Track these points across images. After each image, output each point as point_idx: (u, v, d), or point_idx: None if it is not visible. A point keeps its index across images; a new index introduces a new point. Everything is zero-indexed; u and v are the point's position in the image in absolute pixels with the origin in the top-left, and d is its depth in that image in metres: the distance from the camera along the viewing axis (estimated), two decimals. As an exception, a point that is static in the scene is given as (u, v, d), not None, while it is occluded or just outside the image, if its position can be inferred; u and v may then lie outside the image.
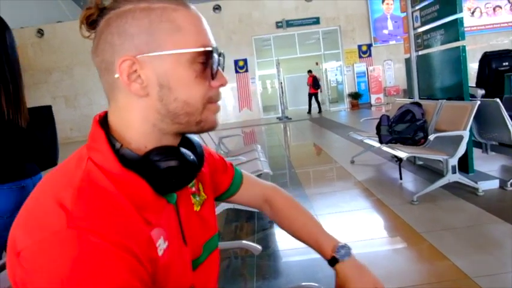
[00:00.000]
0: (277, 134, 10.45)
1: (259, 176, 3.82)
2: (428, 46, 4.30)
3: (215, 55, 0.61)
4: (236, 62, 15.09)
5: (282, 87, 14.65)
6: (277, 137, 9.99)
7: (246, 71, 15.23)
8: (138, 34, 0.57)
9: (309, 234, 0.93)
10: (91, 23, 0.61)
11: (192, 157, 0.64)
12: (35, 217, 0.52)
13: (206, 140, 4.26)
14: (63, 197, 0.52)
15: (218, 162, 0.89)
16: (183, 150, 0.63)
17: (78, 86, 15.25)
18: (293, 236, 0.96)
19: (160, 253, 0.58)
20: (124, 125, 0.60)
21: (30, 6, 15.49)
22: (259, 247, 1.37)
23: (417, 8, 4.39)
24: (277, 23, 15.06)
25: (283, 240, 3.03)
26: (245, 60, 15.17)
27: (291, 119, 13.45)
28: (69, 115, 14.95)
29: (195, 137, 0.73)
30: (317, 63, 17.44)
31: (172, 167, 0.59)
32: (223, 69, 0.66)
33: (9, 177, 1.47)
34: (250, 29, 15.16)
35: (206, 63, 0.60)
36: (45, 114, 1.89)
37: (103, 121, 0.62)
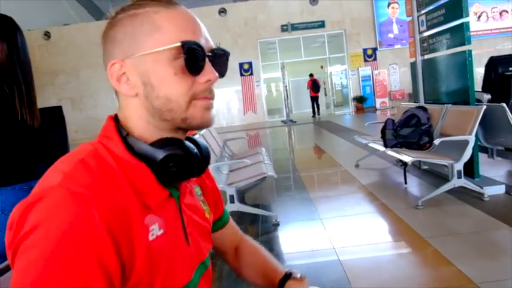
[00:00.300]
0: (281, 137, 10.45)
1: (263, 179, 3.82)
2: (434, 50, 4.29)
3: (195, 50, 0.61)
4: (241, 65, 15.12)
5: (286, 91, 14.66)
6: (282, 140, 9.99)
7: (251, 74, 15.26)
8: (124, 39, 0.62)
9: (266, 270, 0.92)
10: None
11: (195, 150, 0.66)
12: (38, 183, 0.57)
13: (211, 143, 4.26)
14: (65, 165, 0.57)
15: (216, 188, 0.90)
16: (187, 143, 0.65)
17: (83, 88, 15.35)
18: (252, 280, 0.94)
19: (151, 238, 0.60)
20: (127, 122, 0.65)
21: (38, 8, 15.64)
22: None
23: (423, 12, 4.38)
24: (282, 26, 15.09)
25: (286, 244, 3.03)
26: (250, 64, 15.21)
27: (295, 122, 13.45)
28: (74, 117, 15.02)
29: (202, 141, 0.74)
30: (322, 67, 17.46)
31: (173, 155, 0.62)
32: (224, 66, 0.68)
33: (20, 178, 1.48)
34: (256, 32, 15.19)
35: (187, 59, 0.60)
36: (55, 114, 1.92)
37: (115, 118, 0.68)
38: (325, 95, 18.39)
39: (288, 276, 0.87)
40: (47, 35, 15.28)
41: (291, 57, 15.93)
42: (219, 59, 0.66)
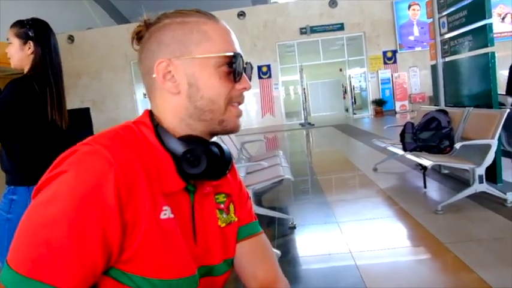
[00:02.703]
0: (299, 140, 10.42)
1: (280, 182, 3.80)
2: (455, 52, 4.21)
3: (239, 61, 0.70)
4: (260, 67, 15.14)
5: (305, 94, 14.61)
6: (300, 143, 9.96)
7: (270, 76, 15.27)
8: (172, 42, 0.69)
9: None
10: (140, 38, 0.73)
11: (217, 152, 0.72)
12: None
13: (228, 145, 4.28)
14: (103, 131, 0.66)
15: (244, 193, 0.87)
16: (211, 145, 0.72)
17: (105, 91, 15.66)
18: None
19: (163, 216, 0.64)
20: (160, 117, 0.71)
21: (62, 13, 16.06)
22: (278, 252, 1.37)
23: (444, 13, 4.31)
24: (301, 29, 15.06)
25: (303, 247, 3.01)
26: (268, 66, 15.22)
27: (313, 125, 13.38)
28: (96, 118, 15.24)
29: (225, 146, 0.77)
30: (341, 70, 17.34)
31: (194, 151, 0.67)
32: (249, 78, 0.75)
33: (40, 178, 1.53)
34: (274, 35, 15.21)
35: (230, 67, 0.69)
36: (83, 116, 2.00)
37: (150, 111, 0.74)
38: (344, 98, 18.25)
39: None
40: (71, 38, 15.67)
41: (310, 60, 15.87)
42: (249, 71, 0.75)
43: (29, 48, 1.75)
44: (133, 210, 0.60)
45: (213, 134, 0.74)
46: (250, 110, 15.36)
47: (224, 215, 0.78)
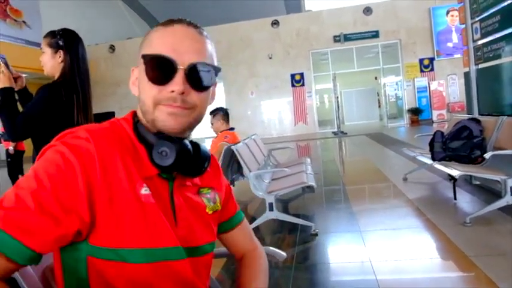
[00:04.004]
0: (331, 149, 10.31)
1: (308, 190, 3.80)
2: (489, 59, 4.07)
3: (164, 63, 0.72)
4: (293, 76, 15.19)
5: (338, 102, 14.47)
6: (331, 151, 9.86)
7: (303, 85, 15.26)
8: (138, 52, 0.79)
9: None
10: None
11: (189, 147, 0.77)
12: None
13: (254, 151, 4.33)
14: (91, 125, 0.76)
15: (228, 187, 0.97)
16: (185, 141, 0.77)
17: (142, 98, 16.17)
18: None
19: (144, 192, 0.72)
20: (139, 116, 0.80)
21: (105, 23, 16.87)
22: (284, 254, 1.38)
23: (477, 19, 4.18)
24: (335, 37, 14.98)
25: (322, 255, 3.00)
26: (302, 74, 15.23)
27: (346, 134, 13.20)
28: (133, 125, 15.82)
29: (204, 146, 0.84)
30: (376, 78, 17.04)
31: (164, 145, 0.73)
32: (199, 80, 0.74)
33: None
34: (308, 43, 15.21)
35: (155, 70, 0.73)
36: (109, 119, 2.13)
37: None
38: (379, 106, 17.89)
39: None
40: (112, 48, 16.38)
41: (344, 68, 15.73)
42: (198, 73, 0.73)
43: (60, 56, 1.88)
44: (108, 187, 0.68)
45: (182, 132, 0.78)
46: (284, 118, 15.40)
47: (211, 203, 0.87)
